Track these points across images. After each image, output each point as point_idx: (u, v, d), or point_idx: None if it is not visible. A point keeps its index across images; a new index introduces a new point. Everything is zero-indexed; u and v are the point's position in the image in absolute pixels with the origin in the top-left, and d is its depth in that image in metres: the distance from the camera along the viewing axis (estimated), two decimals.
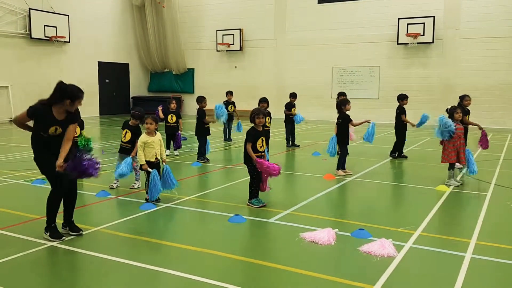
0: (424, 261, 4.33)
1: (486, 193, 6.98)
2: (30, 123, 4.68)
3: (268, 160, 6.19)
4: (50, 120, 4.49)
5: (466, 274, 3.94)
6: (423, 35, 18.74)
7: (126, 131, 7.05)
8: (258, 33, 22.46)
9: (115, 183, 7.09)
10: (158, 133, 6.32)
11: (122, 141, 7.10)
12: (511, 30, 17.60)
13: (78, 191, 4.96)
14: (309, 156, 10.60)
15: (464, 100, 9.21)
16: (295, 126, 12.07)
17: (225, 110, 9.59)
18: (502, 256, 4.38)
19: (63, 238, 4.67)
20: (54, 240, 4.60)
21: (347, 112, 8.30)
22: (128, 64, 24.52)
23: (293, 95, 12.10)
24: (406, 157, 10.14)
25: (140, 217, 5.61)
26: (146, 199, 6.18)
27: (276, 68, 22.26)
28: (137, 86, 25.24)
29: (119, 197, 6.55)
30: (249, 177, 6.19)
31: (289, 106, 11.92)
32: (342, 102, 8.38)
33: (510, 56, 17.75)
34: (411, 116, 10.37)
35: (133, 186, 7.02)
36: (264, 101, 9.74)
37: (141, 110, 7.10)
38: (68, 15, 20.37)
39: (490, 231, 5.18)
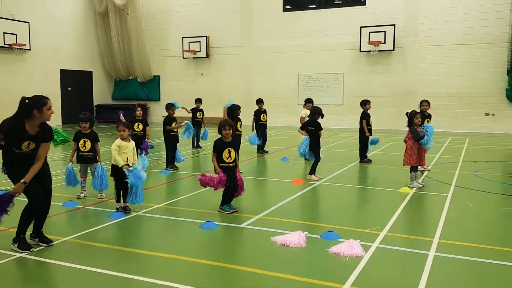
0: (390, 260, 4.52)
1: (447, 194, 7.29)
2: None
3: (236, 172, 6.20)
4: (23, 135, 4.42)
5: (430, 271, 4.14)
6: (384, 43, 19.32)
7: (84, 140, 6.85)
8: (224, 41, 22.56)
9: (82, 193, 6.99)
10: (132, 141, 6.23)
11: (83, 151, 6.88)
12: (468, 38, 18.39)
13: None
14: (278, 162, 10.74)
15: (421, 105, 9.59)
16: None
17: (191, 125, 10.75)
18: (463, 253, 4.61)
19: (32, 249, 4.59)
20: (23, 251, 4.52)
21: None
22: (91, 72, 24.05)
23: (260, 101, 12.27)
24: (370, 161, 10.43)
25: (110, 226, 5.56)
26: (117, 208, 6.11)
27: (243, 75, 22.40)
28: (101, 94, 24.76)
29: (87, 207, 6.46)
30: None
31: (259, 113, 12.06)
32: (316, 110, 8.62)
33: (467, 62, 18.54)
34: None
35: (102, 195, 6.93)
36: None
37: (88, 113, 7.19)
38: (28, 22, 19.81)
39: (451, 230, 5.44)
